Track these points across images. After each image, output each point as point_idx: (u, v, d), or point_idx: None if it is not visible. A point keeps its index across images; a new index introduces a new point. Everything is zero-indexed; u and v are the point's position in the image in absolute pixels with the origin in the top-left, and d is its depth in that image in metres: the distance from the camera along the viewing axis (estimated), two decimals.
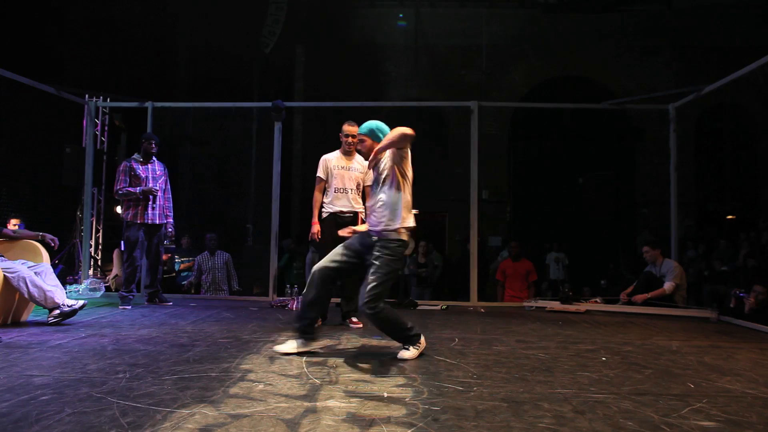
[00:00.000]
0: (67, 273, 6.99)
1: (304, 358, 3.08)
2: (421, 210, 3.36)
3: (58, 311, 4.05)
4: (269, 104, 6.37)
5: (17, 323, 4.19)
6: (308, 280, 3.26)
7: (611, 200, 10.53)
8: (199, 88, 10.68)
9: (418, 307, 5.75)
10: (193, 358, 3.01)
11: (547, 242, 9.61)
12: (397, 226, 3.15)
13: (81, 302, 4.18)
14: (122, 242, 5.81)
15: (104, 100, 7.29)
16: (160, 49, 10.76)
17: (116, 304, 5.34)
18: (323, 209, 4.50)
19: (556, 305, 5.70)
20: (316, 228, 4.45)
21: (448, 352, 3.30)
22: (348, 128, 4.44)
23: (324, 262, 3.27)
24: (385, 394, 2.37)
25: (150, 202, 5.36)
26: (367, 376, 2.70)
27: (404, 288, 7.45)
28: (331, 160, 4.50)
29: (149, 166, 5.48)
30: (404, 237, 3.19)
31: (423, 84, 11.81)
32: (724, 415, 2.18)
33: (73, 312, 4.11)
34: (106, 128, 7.53)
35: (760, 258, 7.55)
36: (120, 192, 5.35)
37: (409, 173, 3.25)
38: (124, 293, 5.29)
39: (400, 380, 2.64)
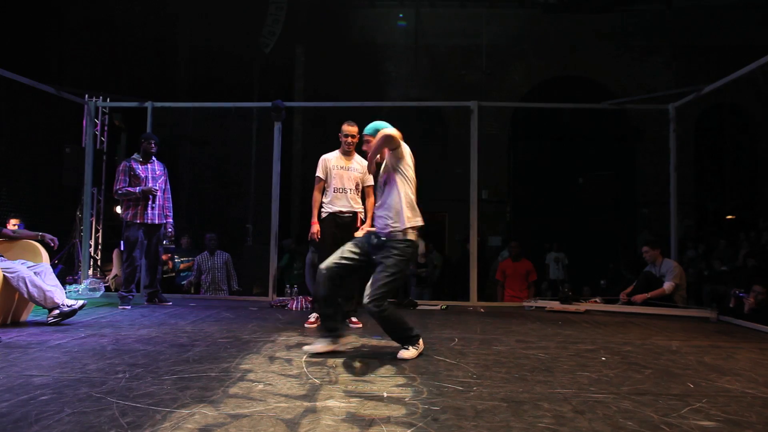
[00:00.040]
0: (66, 273, 6.99)
1: (304, 357, 3.08)
2: (421, 210, 3.35)
3: (57, 311, 4.05)
4: (269, 104, 6.37)
5: (17, 323, 4.19)
6: (317, 277, 3.26)
7: (611, 200, 10.53)
8: (199, 88, 10.68)
9: (418, 307, 5.75)
10: (192, 358, 3.01)
11: (547, 242, 9.60)
12: (403, 227, 3.15)
13: (80, 302, 4.18)
14: (122, 242, 5.81)
15: (104, 100, 7.28)
16: (160, 49, 10.76)
17: (116, 304, 5.34)
18: (322, 209, 4.50)
19: (555, 305, 5.70)
20: (315, 228, 4.45)
21: (447, 352, 3.30)
22: (347, 128, 4.44)
23: (332, 259, 3.26)
24: (385, 394, 2.37)
25: (150, 202, 5.37)
26: (366, 376, 2.70)
27: (404, 288, 7.45)
28: (331, 160, 4.50)
29: (149, 166, 5.48)
30: (412, 237, 3.19)
31: (423, 84, 11.80)
32: (723, 414, 2.18)
33: (73, 312, 4.11)
34: (105, 128, 7.53)
35: (759, 258, 7.54)
36: (119, 192, 5.35)
37: (409, 172, 3.24)
38: (123, 293, 5.29)
39: (400, 380, 2.64)
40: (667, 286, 5.53)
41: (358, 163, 4.50)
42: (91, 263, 7.11)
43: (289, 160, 10.77)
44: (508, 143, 11.87)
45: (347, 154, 4.49)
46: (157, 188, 5.43)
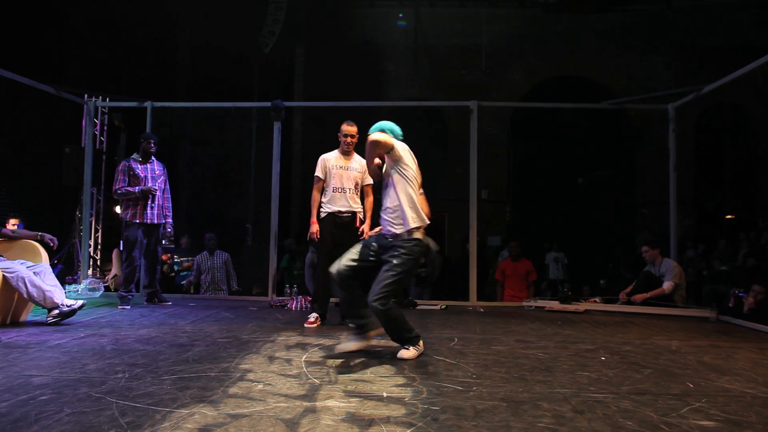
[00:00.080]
0: (66, 273, 6.99)
1: (304, 357, 3.08)
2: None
3: (57, 311, 4.05)
4: (269, 104, 6.37)
5: (16, 323, 4.19)
6: (332, 281, 3.28)
7: (611, 200, 10.53)
8: (198, 88, 10.68)
9: (418, 307, 5.75)
10: (192, 358, 3.01)
11: (546, 242, 9.60)
12: (408, 227, 3.15)
13: (80, 302, 4.18)
14: (121, 242, 5.81)
15: (104, 100, 7.28)
16: (160, 49, 10.76)
17: (115, 304, 5.34)
18: (321, 209, 4.50)
19: (555, 305, 5.70)
20: (315, 228, 4.45)
21: (447, 352, 3.30)
22: (347, 128, 4.45)
23: (343, 261, 3.26)
24: (385, 394, 2.37)
25: (149, 202, 5.37)
26: (366, 376, 2.70)
27: (404, 288, 7.44)
28: (330, 159, 4.50)
29: (148, 165, 5.48)
30: (419, 235, 3.19)
31: (423, 84, 11.79)
32: (723, 414, 2.18)
33: (72, 312, 4.11)
34: (105, 128, 7.53)
35: (759, 258, 7.54)
36: (119, 192, 5.35)
37: (409, 172, 3.24)
38: (123, 293, 5.29)
39: (400, 380, 2.64)
40: (667, 285, 5.52)
41: (358, 162, 4.50)
42: (91, 263, 7.11)
43: (288, 160, 10.76)
44: (507, 143, 11.86)
45: (346, 153, 4.50)
46: (157, 188, 5.42)
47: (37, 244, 4.47)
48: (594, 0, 10.83)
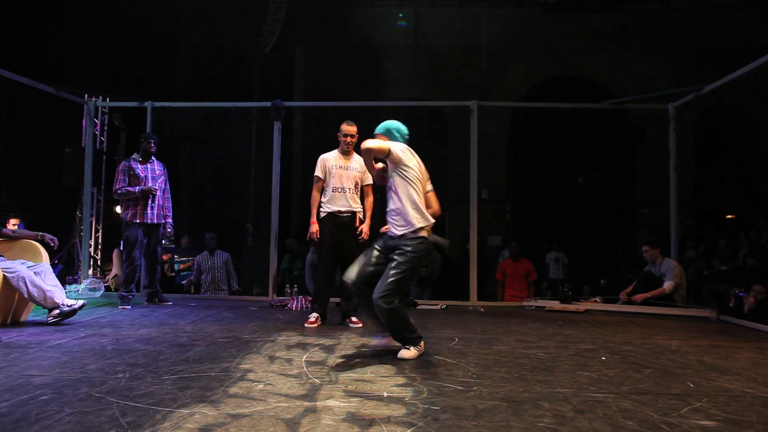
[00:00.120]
0: (66, 273, 6.99)
1: (304, 357, 3.08)
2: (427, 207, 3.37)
3: (57, 311, 4.05)
4: (269, 104, 6.37)
5: (17, 323, 4.19)
6: (357, 296, 3.31)
7: (611, 200, 10.52)
8: (198, 88, 10.69)
9: (418, 307, 5.74)
10: (192, 357, 3.01)
11: (547, 242, 9.60)
12: (412, 228, 3.15)
13: (80, 302, 4.18)
14: (122, 242, 5.81)
15: (104, 99, 7.28)
16: (160, 49, 10.76)
17: (116, 304, 5.34)
18: (321, 209, 4.50)
19: (555, 305, 5.70)
20: (314, 227, 4.45)
21: (447, 352, 3.30)
22: (346, 128, 4.44)
23: (360, 269, 3.24)
24: (385, 394, 2.37)
25: (149, 202, 5.37)
26: (366, 376, 2.70)
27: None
28: (329, 159, 4.50)
29: (148, 165, 5.48)
30: (424, 234, 3.19)
31: (423, 84, 11.79)
32: (723, 414, 2.18)
33: (73, 312, 4.11)
34: (105, 128, 7.53)
35: (759, 257, 7.54)
36: (119, 191, 5.35)
37: (410, 173, 3.23)
38: (123, 293, 5.29)
39: (400, 380, 2.64)
40: (667, 285, 5.53)
41: (357, 162, 4.49)
42: (91, 263, 7.11)
43: (288, 160, 10.77)
44: (507, 143, 11.86)
45: (346, 153, 4.50)
46: (157, 188, 5.43)
47: (38, 244, 4.48)
48: (594, 0, 10.83)
